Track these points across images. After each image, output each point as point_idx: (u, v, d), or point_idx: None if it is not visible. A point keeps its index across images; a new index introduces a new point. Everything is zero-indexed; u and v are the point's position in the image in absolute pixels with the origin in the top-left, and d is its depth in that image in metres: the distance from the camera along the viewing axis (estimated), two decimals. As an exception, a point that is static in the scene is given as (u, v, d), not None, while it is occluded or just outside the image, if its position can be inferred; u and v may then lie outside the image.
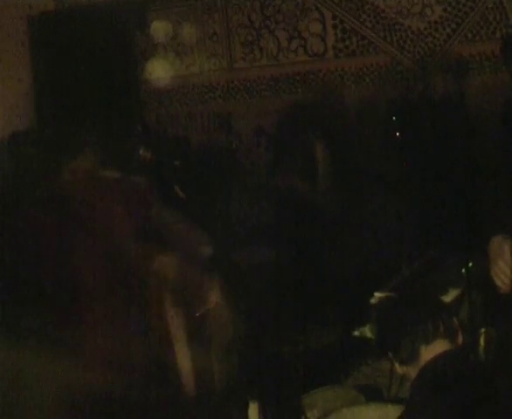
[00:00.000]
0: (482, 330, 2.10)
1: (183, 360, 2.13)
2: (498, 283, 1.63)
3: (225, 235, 2.55)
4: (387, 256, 2.57)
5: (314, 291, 2.53)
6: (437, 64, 2.82)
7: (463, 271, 2.29)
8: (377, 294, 2.30)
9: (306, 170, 2.69)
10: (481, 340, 2.05)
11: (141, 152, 2.44)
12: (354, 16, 2.87)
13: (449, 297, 2.34)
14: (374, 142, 2.75)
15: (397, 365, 1.78)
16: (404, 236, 2.55)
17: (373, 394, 2.37)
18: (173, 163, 2.57)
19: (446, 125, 2.67)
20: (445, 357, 1.79)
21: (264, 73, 2.81)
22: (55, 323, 2.01)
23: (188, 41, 3.01)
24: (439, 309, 1.84)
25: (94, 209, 2.06)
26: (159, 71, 2.82)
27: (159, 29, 2.94)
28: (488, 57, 2.87)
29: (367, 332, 2.26)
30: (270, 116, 2.81)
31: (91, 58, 2.40)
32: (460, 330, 1.81)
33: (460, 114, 2.70)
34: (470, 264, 2.24)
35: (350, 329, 2.32)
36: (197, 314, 2.19)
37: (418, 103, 2.77)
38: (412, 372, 1.77)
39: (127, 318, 2.07)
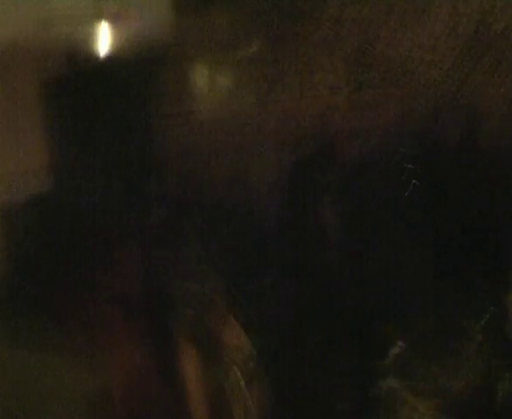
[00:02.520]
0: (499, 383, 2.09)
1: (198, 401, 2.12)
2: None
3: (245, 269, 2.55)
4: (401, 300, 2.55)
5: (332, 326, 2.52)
6: (450, 110, 2.82)
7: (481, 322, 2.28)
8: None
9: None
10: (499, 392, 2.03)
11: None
12: (365, 68, 2.89)
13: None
14: (388, 190, 2.74)
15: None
16: (420, 281, 2.53)
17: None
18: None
19: (461, 171, 2.67)
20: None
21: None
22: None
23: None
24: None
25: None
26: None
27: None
28: (503, 101, 2.86)
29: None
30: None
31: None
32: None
33: (475, 159, 2.70)
34: (487, 316, 2.22)
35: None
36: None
37: (432, 150, 2.76)
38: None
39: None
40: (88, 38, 2.44)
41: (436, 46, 2.81)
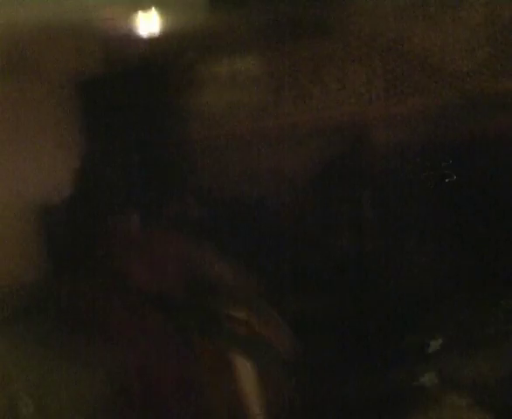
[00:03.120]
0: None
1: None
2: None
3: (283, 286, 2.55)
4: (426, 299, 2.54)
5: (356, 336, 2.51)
6: (487, 103, 2.79)
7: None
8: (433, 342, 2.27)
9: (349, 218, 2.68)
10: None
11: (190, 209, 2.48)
12: (401, 60, 2.87)
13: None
14: (424, 185, 2.72)
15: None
16: (447, 281, 2.51)
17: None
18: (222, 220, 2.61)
19: (501, 167, 2.64)
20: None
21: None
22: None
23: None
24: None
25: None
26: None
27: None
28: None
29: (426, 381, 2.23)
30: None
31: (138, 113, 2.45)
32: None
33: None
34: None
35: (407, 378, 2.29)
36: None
37: (469, 144, 2.74)
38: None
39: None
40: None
41: (471, 38, 2.78)
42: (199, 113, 2.70)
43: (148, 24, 2.40)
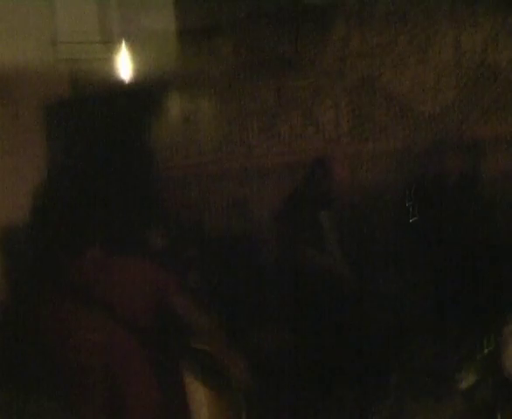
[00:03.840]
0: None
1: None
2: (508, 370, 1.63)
3: (244, 318, 2.56)
4: (401, 330, 2.55)
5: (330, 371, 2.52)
6: (451, 147, 2.83)
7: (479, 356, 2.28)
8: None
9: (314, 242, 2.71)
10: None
11: (154, 240, 2.50)
12: (367, 102, 2.90)
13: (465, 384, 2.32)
14: (387, 223, 2.75)
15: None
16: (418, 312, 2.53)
17: None
18: (187, 252, 2.63)
19: (461, 207, 2.68)
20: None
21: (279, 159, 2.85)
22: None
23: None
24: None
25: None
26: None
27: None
28: (504, 139, 2.87)
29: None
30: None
31: (106, 145, 2.47)
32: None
33: (475, 197, 2.71)
34: (486, 351, 2.22)
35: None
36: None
37: (432, 186, 2.77)
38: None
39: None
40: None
41: (439, 81, 2.83)
42: (161, 145, 2.74)
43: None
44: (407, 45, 2.84)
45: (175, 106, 2.76)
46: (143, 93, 2.53)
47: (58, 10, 2.50)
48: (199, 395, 2.19)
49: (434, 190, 2.74)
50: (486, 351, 2.20)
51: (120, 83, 2.49)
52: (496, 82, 2.77)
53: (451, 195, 2.70)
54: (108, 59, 2.48)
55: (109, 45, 2.49)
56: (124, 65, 2.48)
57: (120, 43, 2.49)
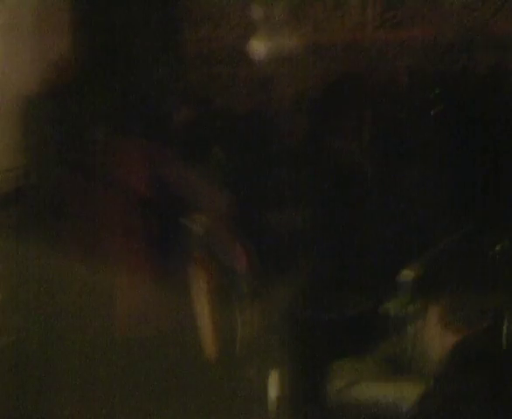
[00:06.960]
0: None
1: (205, 321, 2.19)
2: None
3: (262, 199, 2.58)
4: (423, 229, 2.57)
5: (350, 259, 2.55)
6: (482, 38, 2.78)
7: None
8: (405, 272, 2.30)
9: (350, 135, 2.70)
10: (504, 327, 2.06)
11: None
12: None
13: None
14: (415, 114, 2.73)
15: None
16: (439, 210, 2.55)
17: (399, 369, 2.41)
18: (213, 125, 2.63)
19: (489, 101, 2.65)
20: (474, 337, 1.86)
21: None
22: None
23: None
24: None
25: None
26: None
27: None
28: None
29: (391, 309, 2.26)
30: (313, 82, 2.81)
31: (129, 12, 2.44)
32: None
33: (504, 91, 2.68)
34: (498, 247, 2.24)
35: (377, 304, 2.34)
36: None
37: (460, 77, 2.74)
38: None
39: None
40: None
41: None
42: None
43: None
44: None
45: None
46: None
47: None
48: (198, 281, 2.21)
49: (461, 83, 2.72)
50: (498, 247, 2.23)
51: None
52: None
53: (478, 89, 2.67)
54: None
55: None
56: None
57: None
